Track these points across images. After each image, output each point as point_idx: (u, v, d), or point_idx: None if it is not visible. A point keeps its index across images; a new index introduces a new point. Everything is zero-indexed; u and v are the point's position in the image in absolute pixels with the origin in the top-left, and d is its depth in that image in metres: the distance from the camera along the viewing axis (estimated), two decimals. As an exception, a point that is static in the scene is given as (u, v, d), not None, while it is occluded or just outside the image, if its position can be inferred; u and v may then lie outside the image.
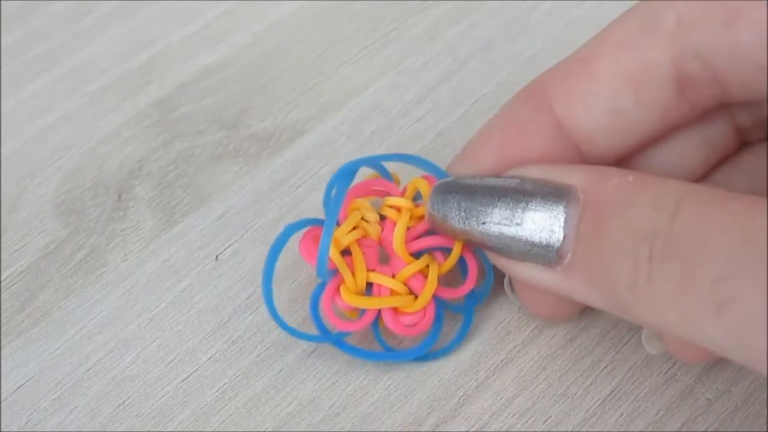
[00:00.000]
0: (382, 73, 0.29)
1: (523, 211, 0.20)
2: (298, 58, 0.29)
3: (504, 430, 0.23)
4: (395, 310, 0.23)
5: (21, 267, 0.25)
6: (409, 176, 0.23)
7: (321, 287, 0.23)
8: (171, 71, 0.29)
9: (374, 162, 0.23)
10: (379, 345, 0.23)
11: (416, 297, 0.23)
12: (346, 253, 0.23)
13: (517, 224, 0.20)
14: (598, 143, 0.21)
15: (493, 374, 0.24)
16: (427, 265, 0.23)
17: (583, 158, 0.21)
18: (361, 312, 0.23)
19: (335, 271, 0.22)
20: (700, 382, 0.23)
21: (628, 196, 0.18)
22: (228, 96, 0.28)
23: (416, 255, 0.23)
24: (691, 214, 0.17)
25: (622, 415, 0.23)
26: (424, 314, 0.23)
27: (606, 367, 0.24)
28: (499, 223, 0.20)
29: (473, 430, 0.23)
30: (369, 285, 0.23)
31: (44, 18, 0.30)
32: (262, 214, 0.26)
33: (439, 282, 0.23)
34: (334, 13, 0.30)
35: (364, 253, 0.23)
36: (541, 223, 0.19)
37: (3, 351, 0.24)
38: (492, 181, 0.21)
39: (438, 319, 0.23)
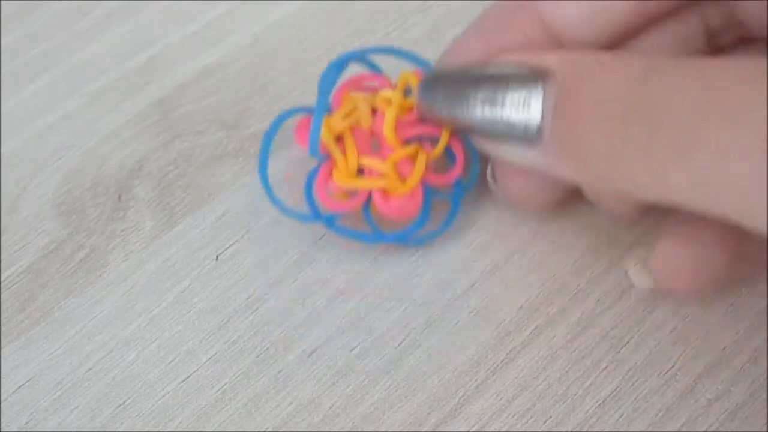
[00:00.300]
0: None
1: (504, 93, 0.21)
2: (298, 58, 0.29)
3: (504, 430, 0.23)
4: (385, 193, 0.24)
5: (21, 267, 0.25)
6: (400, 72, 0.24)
7: (314, 171, 0.24)
8: (171, 71, 0.29)
9: (363, 56, 0.25)
10: (369, 228, 0.24)
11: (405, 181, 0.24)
12: (339, 142, 0.24)
13: (499, 106, 0.21)
14: (578, 35, 0.22)
15: (493, 374, 0.24)
16: (416, 152, 0.24)
17: None
18: (353, 195, 0.24)
19: (329, 157, 0.24)
20: (700, 382, 0.23)
21: (602, 71, 0.19)
22: (228, 96, 0.28)
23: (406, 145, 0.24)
24: (660, 78, 0.18)
25: (622, 415, 0.23)
26: (413, 197, 0.24)
27: (606, 367, 0.24)
28: (482, 107, 0.21)
29: (473, 430, 0.23)
30: (360, 172, 0.24)
31: (44, 18, 0.30)
32: (263, 215, 0.26)
33: (427, 169, 0.24)
34: (334, 13, 0.30)
35: (356, 140, 0.24)
36: (520, 104, 0.21)
37: (3, 351, 0.24)
38: (475, 70, 0.22)
39: (426, 204, 0.24)
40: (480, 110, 0.21)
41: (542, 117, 0.20)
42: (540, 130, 0.20)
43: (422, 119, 0.24)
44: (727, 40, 0.23)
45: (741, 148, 0.16)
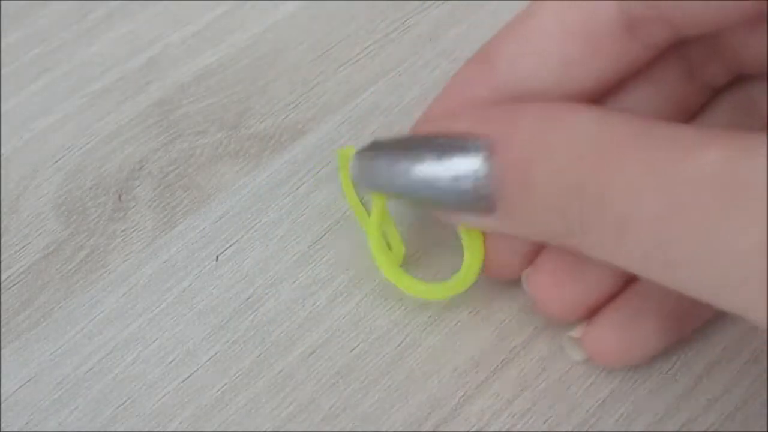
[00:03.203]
0: (382, 74, 0.29)
1: (445, 174, 0.20)
2: (299, 58, 0.29)
3: (504, 430, 0.23)
4: None
5: (21, 267, 0.25)
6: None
7: None
8: (171, 71, 0.29)
9: None
10: None
11: None
12: None
13: (444, 183, 0.20)
14: (551, 97, 0.21)
15: (493, 374, 0.24)
16: None
17: None
18: None
19: None
20: (700, 383, 0.23)
21: (544, 144, 0.18)
22: (228, 96, 0.28)
23: None
24: (608, 171, 0.17)
25: (622, 415, 0.23)
26: None
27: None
28: (424, 189, 0.20)
29: (473, 430, 0.23)
30: None
31: (44, 18, 0.30)
32: (263, 215, 0.26)
33: None
34: (334, 13, 0.30)
35: None
36: (466, 179, 0.19)
37: (3, 351, 0.24)
38: (413, 142, 0.20)
39: None
40: (425, 190, 0.20)
41: (491, 190, 0.19)
42: (492, 202, 0.19)
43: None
44: (719, 80, 0.22)
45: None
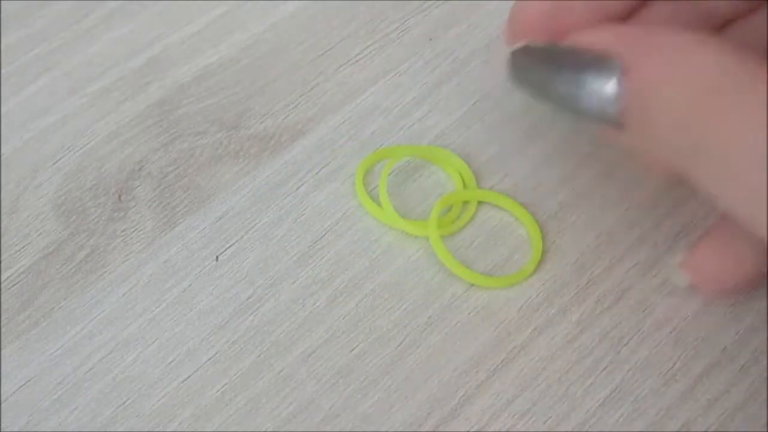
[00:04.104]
0: (382, 74, 0.29)
1: (581, 87, 0.21)
2: (299, 58, 0.29)
3: (504, 430, 0.23)
4: None
5: (21, 267, 0.25)
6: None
7: None
8: (171, 72, 0.29)
9: None
10: None
11: None
12: None
13: (578, 98, 0.21)
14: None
15: (493, 374, 0.24)
16: None
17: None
18: None
19: None
20: (700, 383, 0.23)
21: (667, 79, 0.19)
22: (228, 96, 0.28)
23: None
24: (713, 117, 0.18)
25: (622, 415, 0.23)
26: None
27: (606, 367, 0.24)
28: (563, 97, 0.21)
29: (473, 430, 0.23)
30: None
31: (45, 18, 0.30)
32: (263, 215, 0.26)
33: None
34: (334, 13, 0.30)
35: None
36: (598, 99, 0.21)
37: (3, 352, 0.24)
38: (556, 50, 0.22)
39: None
40: (562, 101, 0.21)
41: (619, 112, 0.20)
42: (620, 121, 0.20)
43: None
44: None
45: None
